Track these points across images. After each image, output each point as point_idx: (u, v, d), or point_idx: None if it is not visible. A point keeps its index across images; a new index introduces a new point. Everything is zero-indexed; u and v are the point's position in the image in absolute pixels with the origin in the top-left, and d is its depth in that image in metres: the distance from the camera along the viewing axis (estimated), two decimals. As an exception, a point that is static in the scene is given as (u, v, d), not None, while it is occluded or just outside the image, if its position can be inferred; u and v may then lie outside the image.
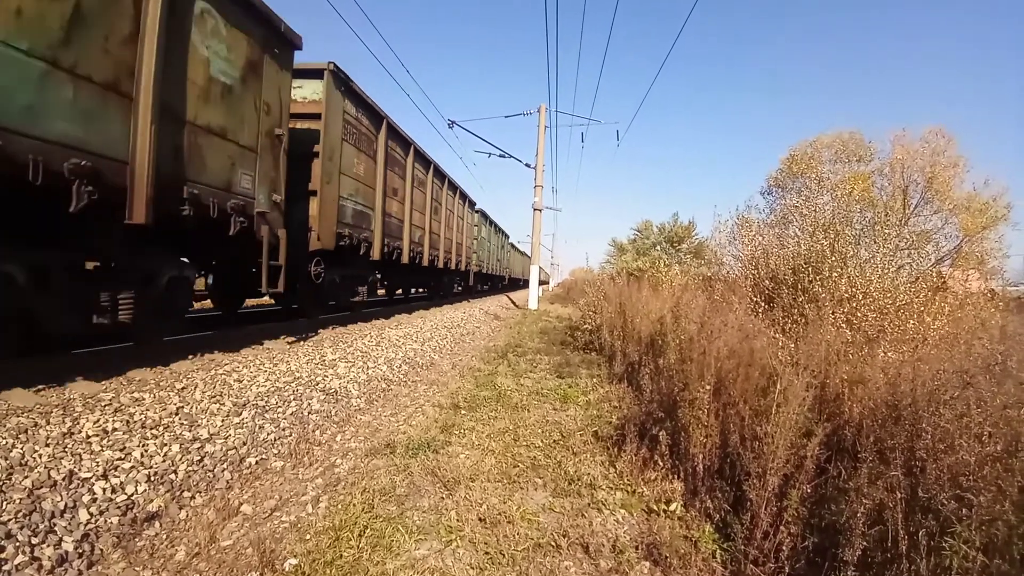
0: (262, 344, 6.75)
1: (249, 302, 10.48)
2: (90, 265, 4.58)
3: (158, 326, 5.54)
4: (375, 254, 10.05)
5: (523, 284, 43.10)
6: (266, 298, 9.71)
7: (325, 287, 8.58)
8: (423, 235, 13.57)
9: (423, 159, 13.18)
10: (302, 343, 7.16)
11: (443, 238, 15.76)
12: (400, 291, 17.22)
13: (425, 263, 13.74)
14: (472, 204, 20.83)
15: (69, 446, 3.03)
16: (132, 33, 4.12)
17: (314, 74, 7.82)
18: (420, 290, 19.66)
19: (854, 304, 4.25)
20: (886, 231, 5.12)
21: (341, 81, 8.16)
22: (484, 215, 24.07)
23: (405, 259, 11.95)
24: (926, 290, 4.43)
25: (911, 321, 4.09)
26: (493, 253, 27.58)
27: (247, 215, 5.79)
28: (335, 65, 7.83)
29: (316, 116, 7.76)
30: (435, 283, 18.36)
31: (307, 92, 7.90)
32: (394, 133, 10.76)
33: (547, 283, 62.59)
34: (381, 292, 15.17)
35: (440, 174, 15.03)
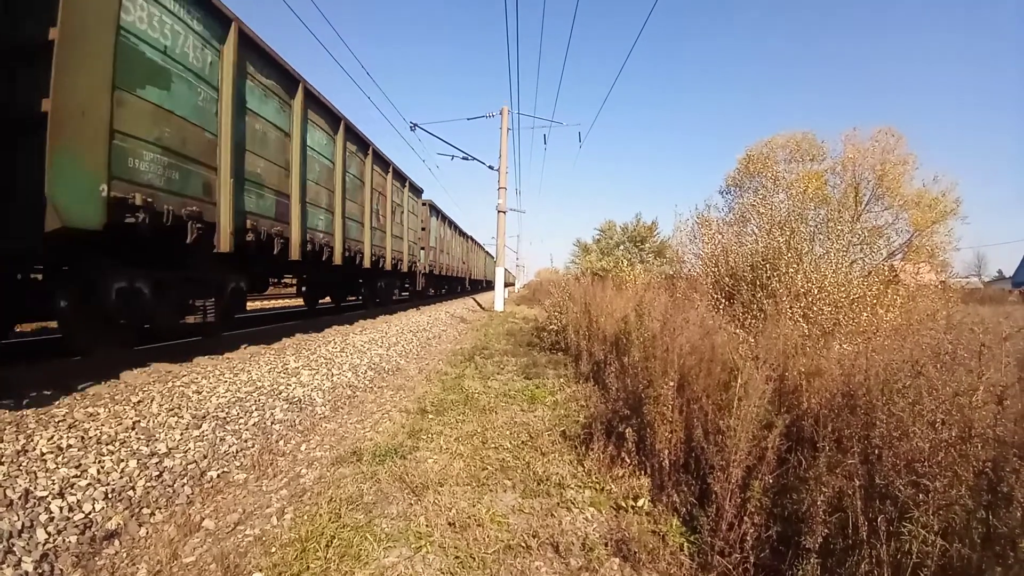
0: (222, 354, 6.57)
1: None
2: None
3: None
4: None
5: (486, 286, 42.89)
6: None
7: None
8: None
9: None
10: (264, 351, 7.00)
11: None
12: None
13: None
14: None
15: (24, 464, 2.92)
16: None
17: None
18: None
19: (810, 299, 4.37)
20: (839, 227, 5.28)
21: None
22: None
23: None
24: (878, 284, 4.59)
25: (864, 314, 4.23)
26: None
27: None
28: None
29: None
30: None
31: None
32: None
33: (513, 285, 62.60)
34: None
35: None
